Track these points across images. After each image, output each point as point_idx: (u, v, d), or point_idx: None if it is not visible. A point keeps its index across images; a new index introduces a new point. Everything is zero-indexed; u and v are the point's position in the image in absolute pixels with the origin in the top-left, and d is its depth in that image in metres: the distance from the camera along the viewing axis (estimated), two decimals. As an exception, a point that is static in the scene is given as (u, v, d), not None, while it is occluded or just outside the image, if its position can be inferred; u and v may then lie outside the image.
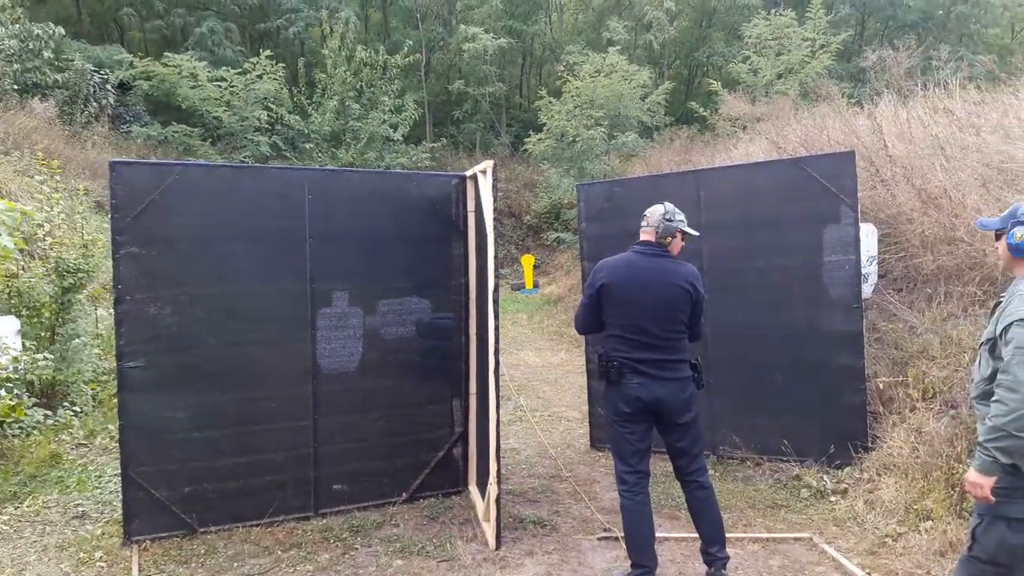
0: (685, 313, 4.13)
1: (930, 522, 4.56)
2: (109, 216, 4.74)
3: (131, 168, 4.91)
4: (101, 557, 4.57)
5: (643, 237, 4.32)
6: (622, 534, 4.29)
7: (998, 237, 3.18)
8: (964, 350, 5.36)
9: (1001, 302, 3.05)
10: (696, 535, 4.29)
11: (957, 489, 4.61)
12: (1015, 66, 13.60)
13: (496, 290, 4.74)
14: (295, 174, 5.42)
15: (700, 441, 4.25)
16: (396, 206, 5.51)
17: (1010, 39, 23.30)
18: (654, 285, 4.11)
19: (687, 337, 4.19)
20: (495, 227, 4.87)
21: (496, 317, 4.71)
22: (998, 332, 2.92)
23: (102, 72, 17.27)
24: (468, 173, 5.63)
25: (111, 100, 17.32)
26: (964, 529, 4.34)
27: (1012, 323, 2.84)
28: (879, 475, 5.26)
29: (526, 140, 18.77)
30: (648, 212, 4.37)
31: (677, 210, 4.36)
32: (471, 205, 5.69)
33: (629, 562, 4.14)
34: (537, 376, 10.20)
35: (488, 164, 4.96)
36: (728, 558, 4.19)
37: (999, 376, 2.81)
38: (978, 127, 7.08)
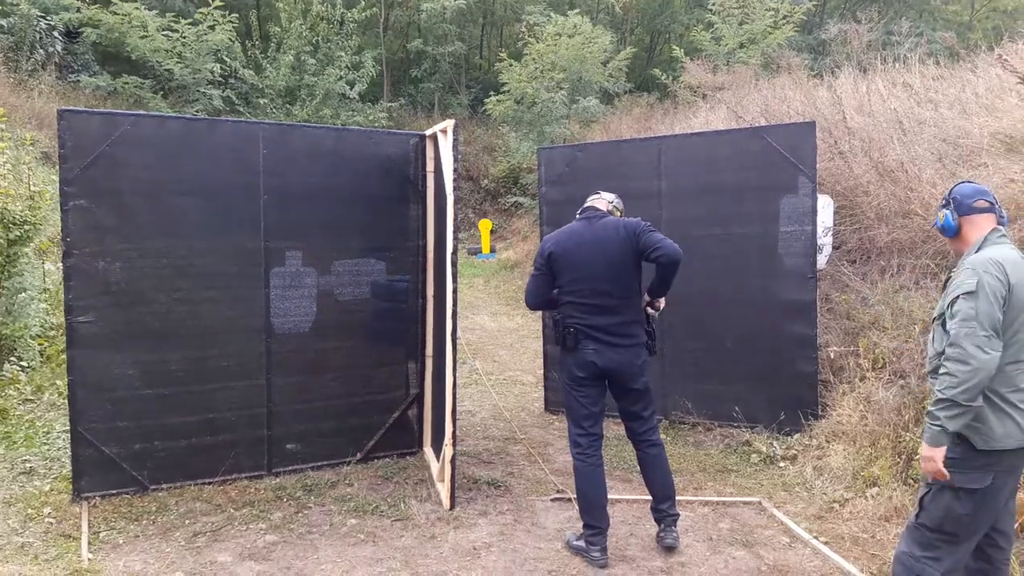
0: (633, 265, 4.10)
1: (876, 488, 4.67)
2: (57, 167, 4.53)
3: (80, 117, 4.71)
4: (50, 513, 4.47)
5: (591, 204, 4.37)
6: (575, 495, 4.32)
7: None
8: (915, 321, 5.46)
9: (951, 277, 3.09)
10: (648, 496, 4.34)
11: (903, 456, 4.73)
12: (974, 42, 13.79)
13: (455, 253, 4.67)
14: (249, 127, 5.24)
15: (652, 404, 4.30)
16: (353, 164, 5.38)
17: (969, 16, 23.60)
18: (599, 246, 4.10)
19: (636, 297, 4.19)
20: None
21: (455, 280, 4.65)
22: (945, 306, 2.96)
23: (49, 18, 16.49)
24: (428, 132, 5.51)
25: (59, 48, 16.57)
26: (909, 495, 4.47)
27: (958, 296, 2.88)
28: (828, 442, 5.37)
29: (486, 101, 18.52)
30: (600, 192, 4.50)
31: None
32: (430, 165, 5.58)
33: (582, 523, 4.17)
34: (493, 340, 10.18)
35: (449, 123, 4.85)
36: (678, 515, 4.28)
37: (947, 349, 2.85)
38: (936, 102, 7.17)
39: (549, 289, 4.27)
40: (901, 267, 6.05)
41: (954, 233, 3.12)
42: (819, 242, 6.10)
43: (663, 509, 4.22)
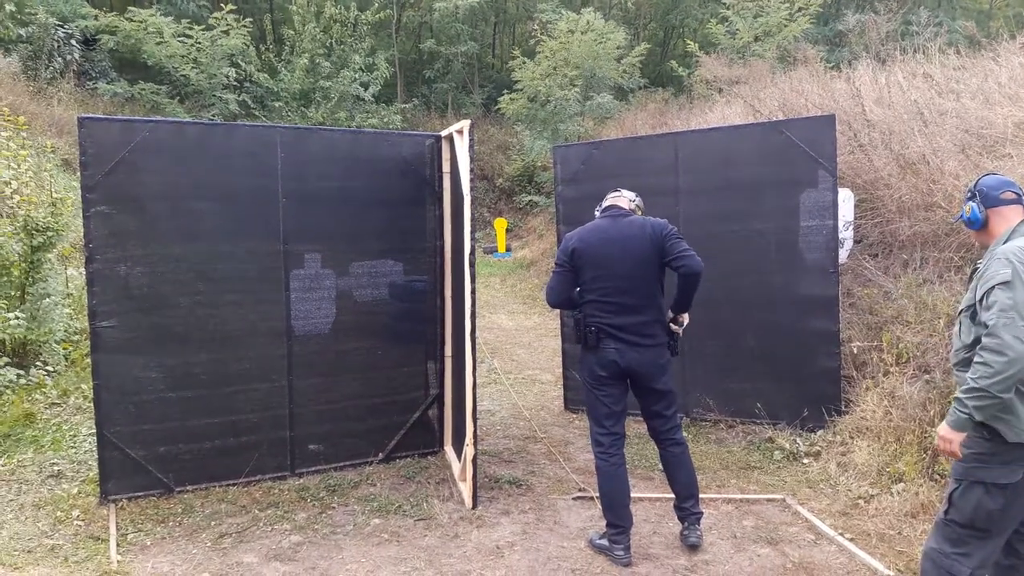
0: (656, 266, 4.06)
1: (902, 484, 4.62)
2: (79, 173, 4.62)
3: (100, 124, 4.75)
4: (78, 516, 4.52)
5: (611, 203, 4.32)
6: (597, 494, 4.31)
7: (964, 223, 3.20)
8: (939, 315, 5.40)
9: (978, 268, 3.04)
10: (670, 494, 4.32)
11: (929, 452, 4.67)
12: (995, 31, 13.62)
13: (472, 253, 4.66)
14: (267, 132, 5.27)
15: (675, 403, 4.27)
16: (370, 166, 5.40)
17: (988, 5, 23.31)
18: (624, 244, 4.07)
19: (659, 297, 4.15)
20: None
21: (473, 280, 4.64)
22: (978, 298, 2.92)
23: (66, 26, 16.67)
24: (444, 133, 5.50)
25: (76, 56, 16.74)
26: (936, 491, 4.42)
27: (993, 287, 2.83)
28: (852, 438, 5.32)
29: (499, 99, 18.50)
30: (620, 190, 4.44)
31: None
32: (446, 166, 5.57)
33: (605, 522, 4.15)
34: (510, 339, 10.18)
35: (464, 124, 4.84)
36: (701, 513, 4.25)
37: (984, 339, 2.81)
38: (958, 92, 7.08)
39: (571, 287, 4.24)
40: (924, 260, 5.98)
41: (981, 225, 3.08)
42: (840, 236, 6.04)
43: (686, 507, 4.20)
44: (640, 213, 4.34)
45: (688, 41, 16.93)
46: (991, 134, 6.30)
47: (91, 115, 4.82)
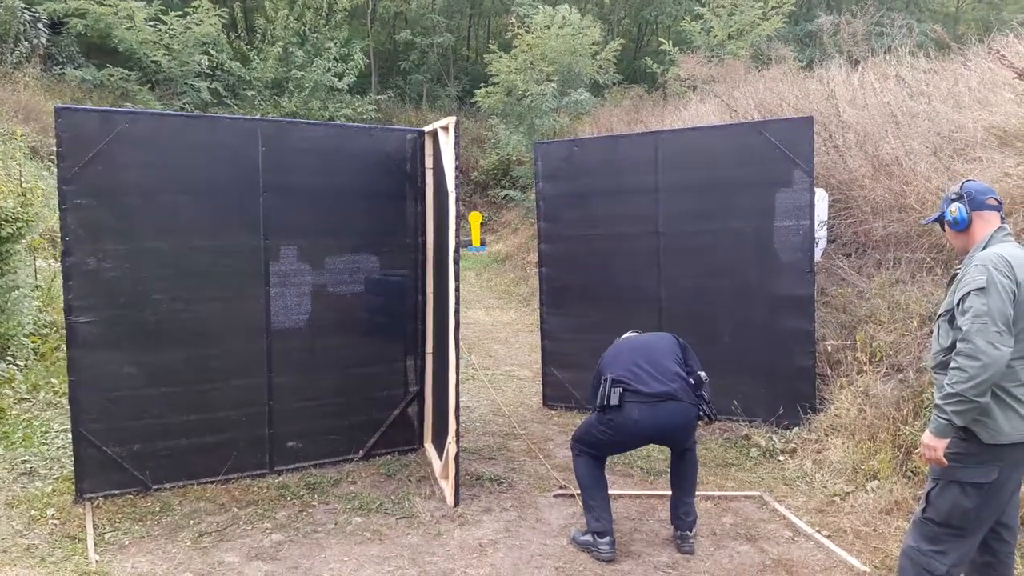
0: (677, 350, 4.35)
1: (876, 481, 4.72)
2: (54, 165, 4.52)
3: (78, 115, 4.64)
4: (53, 515, 4.45)
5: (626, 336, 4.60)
6: (578, 491, 4.35)
7: (942, 225, 3.26)
8: (911, 315, 5.51)
9: (957, 274, 3.11)
10: (651, 491, 4.39)
11: (903, 450, 4.78)
12: (961, 34, 13.88)
13: (457, 251, 4.66)
14: (248, 125, 5.21)
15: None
16: (352, 160, 5.38)
17: (955, 8, 23.72)
18: (648, 339, 4.50)
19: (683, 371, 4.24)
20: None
21: (457, 278, 4.64)
22: (955, 303, 2.99)
23: (33, 9, 16.28)
24: (427, 129, 5.49)
25: (43, 40, 16.35)
26: (909, 488, 4.52)
27: (969, 292, 2.91)
28: (827, 436, 5.42)
29: (475, 93, 18.45)
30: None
31: None
32: (429, 162, 5.56)
33: (586, 519, 4.19)
34: (487, 334, 10.18)
35: (450, 120, 4.83)
36: (696, 518, 4.25)
37: (959, 344, 2.88)
38: (929, 95, 7.21)
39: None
40: (897, 261, 6.10)
41: (964, 227, 3.14)
42: (814, 236, 6.13)
43: (685, 511, 4.21)
44: None
45: (663, 39, 16.97)
46: (961, 137, 6.43)
47: (69, 105, 4.74)
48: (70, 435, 4.76)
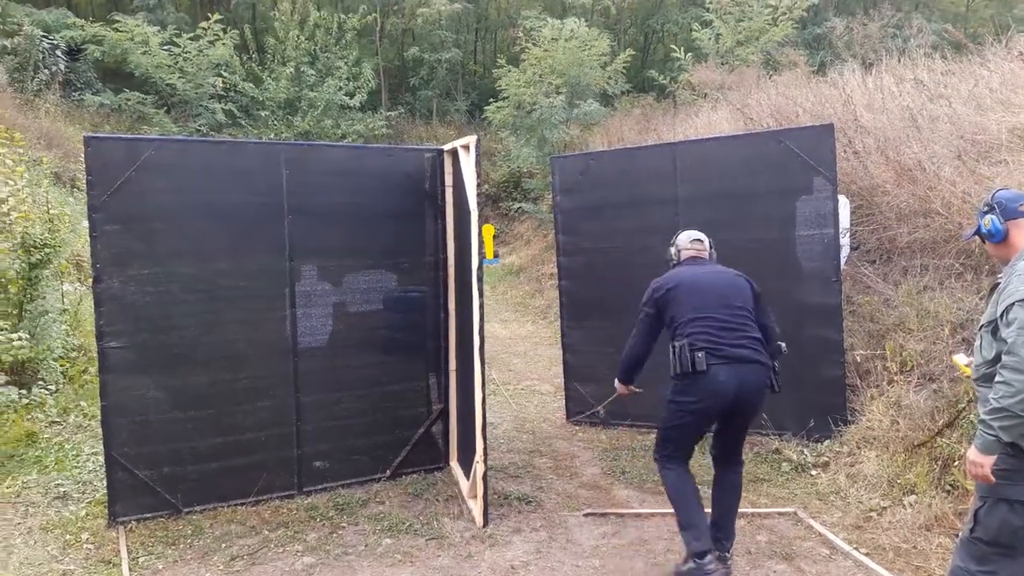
0: (750, 297, 4.05)
1: (914, 496, 4.61)
2: (86, 193, 4.59)
3: (106, 143, 4.76)
4: (88, 539, 4.47)
5: (692, 255, 4.30)
6: (607, 509, 4.26)
7: (981, 237, 3.19)
8: (941, 323, 5.41)
9: (999, 284, 3.04)
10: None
11: (940, 462, 4.67)
12: (972, 32, 13.78)
13: (480, 268, 4.62)
14: (271, 149, 5.27)
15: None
16: (373, 180, 5.40)
17: (965, 7, 23.57)
18: (716, 278, 4.10)
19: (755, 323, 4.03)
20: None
21: (480, 295, 4.60)
22: (999, 313, 2.91)
23: (52, 37, 16.46)
24: (447, 147, 5.47)
25: (62, 67, 16.54)
26: (949, 503, 4.42)
27: (1014, 303, 2.82)
28: (859, 448, 5.32)
29: (485, 108, 18.45)
30: (700, 236, 4.40)
31: None
32: (449, 179, 5.53)
33: (685, 543, 3.87)
34: (506, 348, 10.12)
35: (471, 139, 4.80)
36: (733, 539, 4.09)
37: (1004, 357, 2.80)
38: (948, 98, 7.12)
39: (654, 338, 4.20)
40: (924, 267, 6.00)
41: (1002, 238, 3.07)
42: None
43: (727, 523, 4.04)
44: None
45: (673, 47, 16.91)
46: (985, 140, 6.34)
47: (97, 134, 4.85)
48: (101, 458, 4.80)
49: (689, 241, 4.35)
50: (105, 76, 18.43)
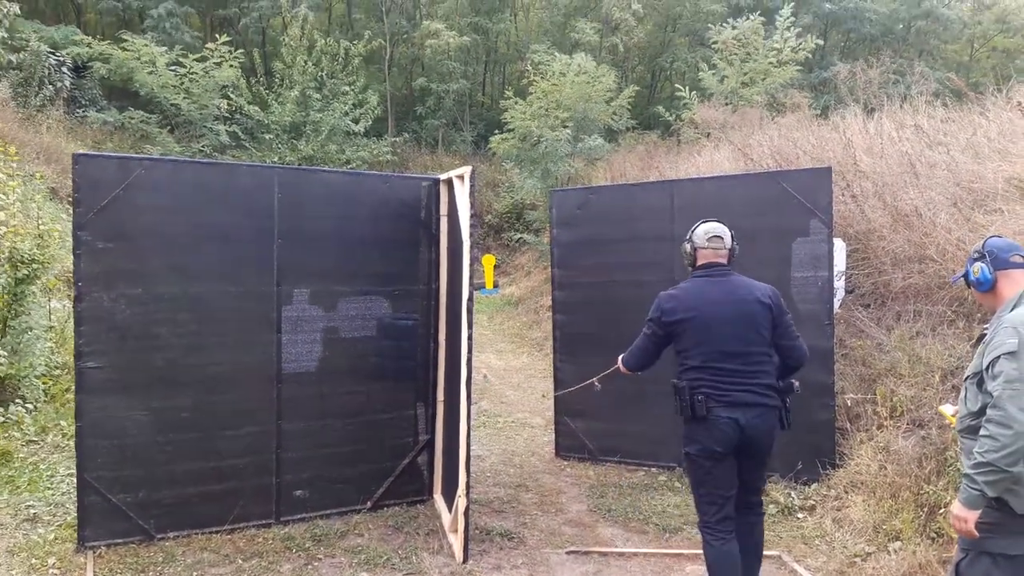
0: (767, 329, 3.77)
1: (899, 543, 4.55)
2: (72, 209, 4.58)
3: (95, 161, 4.70)
4: (54, 564, 4.38)
5: (709, 260, 3.93)
6: (590, 548, 4.19)
7: (969, 284, 3.17)
8: (932, 369, 5.39)
9: (985, 335, 3.02)
10: (667, 549, 4.19)
11: (925, 509, 4.62)
12: (974, 82, 13.90)
13: (471, 299, 4.61)
14: (265, 172, 5.26)
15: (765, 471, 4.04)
16: (368, 208, 5.41)
17: (968, 57, 23.86)
18: (732, 307, 3.76)
19: (772, 359, 3.82)
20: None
21: (470, 327, 4.58)
22: (984, 366, 2.89)
23: (58, 54, 16.65)
24: (443, 177, 5.49)
25: (67, 83, 16.72)
26: (933, 550, 4.36)
27: (999, 357, 2.80)
28: (847, 492, 5.27)
29: (490, 139, 18.60)
30: (719, 232, 3.97)
31: None
32: (444, 209, 5.55)
33: None
34: (499, 379, 10.08)
35: (466, 170, 4.82)
36: None
37: (989, 411, 2.77)
38: (947, 145, 7.16)
39: (658, 355, 4.03)
40: (917, 313, 5.99)
41: (989, 287, 3.05)
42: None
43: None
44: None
45: (679, 86, 17.07)
46: (981, 188, 6.36)
47: (86, 152, 4.82)
48: (75, 481, 4.69)
49: (707, 239, 3.94)
50: (111, 94, 18.62)
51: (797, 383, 3.90)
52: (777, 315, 3.80)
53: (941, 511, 4.48)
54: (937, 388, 5.28)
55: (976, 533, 2.82)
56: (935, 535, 4.50)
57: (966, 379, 3.07)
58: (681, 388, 3.77)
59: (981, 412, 2.86)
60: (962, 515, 2.83)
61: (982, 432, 2.78)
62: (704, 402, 3.67)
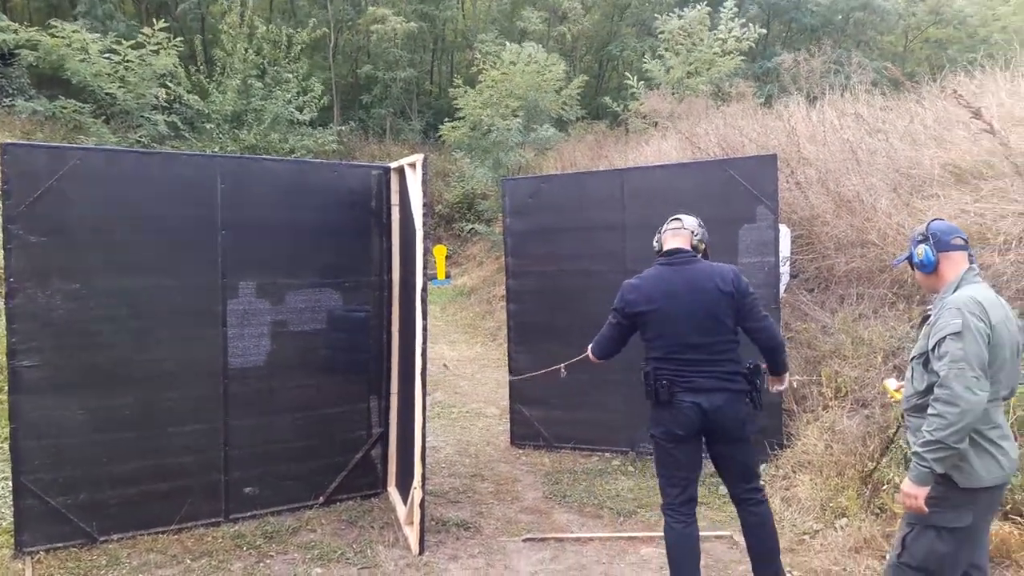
0: (730, 316, 3.77)
1: (845, 519, 4.68)
2: (1, 202, 4.34)
3: (26, 151, 4.50)
4: (-11, 572, 4.21)
5: (672, 244, 3.95)
6: (547, 534, 4.20)
7: (912, 266, 3.26)
8: (875, 350, 5.54)
9: (929, 315, 3.11)
10: (621, 533, 4.21)
11: (870, 486, 4.76)
12: (910, 72, 14.30)
13: (425, 289, 4.57)
14: (207, 161, 5.11)
15: (754, 456, 3.97)
16: (315, 197, 5.28)
17: (903, 47, 24.54)
18: (691, 297, 3.77)
19: (738, 344, 3.83)
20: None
21: (424, 317, 4.55)
22: (930, 346, 2.98)
23: (-17, 41, 15.94)
24: (394, 165, 5.43)
25: (-8, 72, 16.03)
26: (878, 525, 4.50)
27: (944, 337, 2.89)
28: (794, 472, 5.39)
29: (440, 127, 18.49)
30: (680, 215, 4.05)
31: None
32: (395, 198, 5.50)
33: None
34: (453, 370, 10.06)
35: (418, 158, 4.77)
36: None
37: (936, 390, 2.86)
38: (886, 132, 7.35)
39: (623, 343, 4.05)
40: (860, 296, 6.15)
41: (932, 268, 3.14)
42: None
43: (774, 568, 3.88)
44: (703, 249, 4.04)
45: (627, 75, 17.18)
46: (919, 174, 6.56)
47: (16, 142, 4.60)
48: (11, 484, 4.53)
49: (668, 222, 4.05)
50: (40, 82, 17.88)
51: (762, 364, 3.92)
52: (739, 299, 3.78)
53: (884, 487, 4.63)
54: (880, 368, 5.44)
55: (926, 509, 2.91)
56: (879, 511, 4.64)
57: (912, 359, 3.16)
58: (647, 373, 3.83)
59: (928, 391, 2.95)
60: (912, 492, 2.92)
61: (930, 411, 2.86)
62: (668, 387, 3.73)
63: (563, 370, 5.00)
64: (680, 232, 3.97)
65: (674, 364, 3.76)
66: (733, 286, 3.78)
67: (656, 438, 3.85)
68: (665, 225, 4.05)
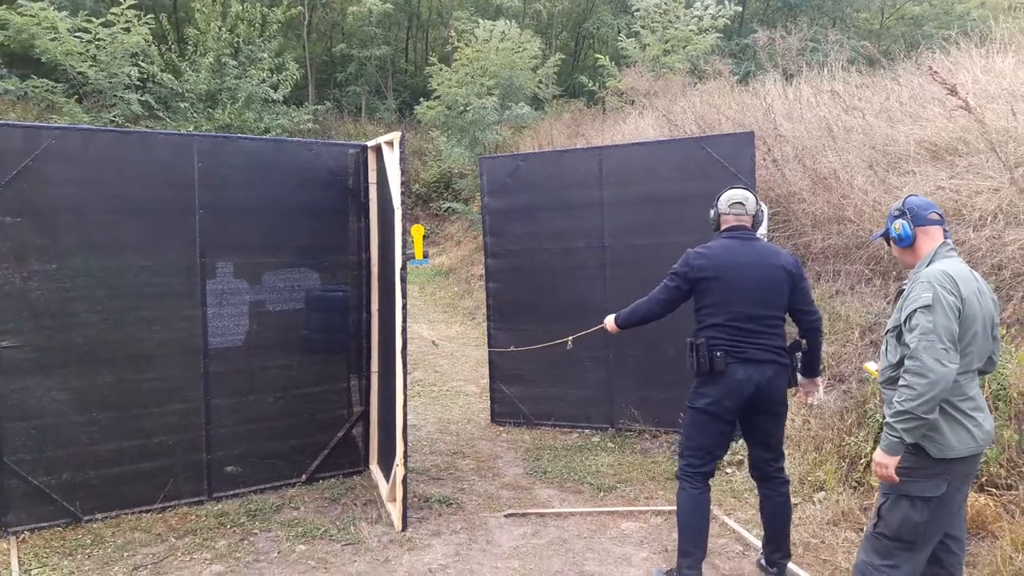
0: (785, 295, 3.87)
1: (823, 493, 4.77)
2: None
3: (1, 130, 4.42)
4: (-28, 554, 4.18)
5: (736, 223, 4.00)
6: (528, 510, 4.22)
7: (888, 241, 3.30)
8: (852, 326, 5.61)
9: (904, 290, 3.15)
10: (601, 508, 4.24)
11: (847, 460, 4.84)
12: (885, 49, 14.37)
13: (404, 268, 4.56)
14: (183, 140, 5.05)
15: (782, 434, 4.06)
16: (292, 176, 5.24)
17: (879, 25, 24.62)
18: (756, 271, 3.85)
19: (784, 322, 3.92)
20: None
21: (404, 296, 4.54)
22: (902, 319, 3.02)
23: (-50, 20, 15.51)
24: (371, 143, 5.38)
25: (-39, 51, 15.61)
26: (855, 499, 4.58)
27: (915, 310, 2.93)
28: (773, 447, 5.45)
29: (416, 106, 18.34)
30: (741, 198, 4.02)
31: None
32: (373, 176, 5.46)
33: (678, 552, 3.89)
34: (432, 349, 10.04)
35: (395, 136, 4.73)
36: (790, 556, 4.04)
37: (907, 362, 2.90)
38: (862, 110, 7.40)
39: (675, 307, 4.08)
40: (836, 273, 6.22)
41: (909, 243, 3.17)
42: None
43: (776, 557, 4.00)
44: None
45: (598, 55, 17.13)
46: (895, 151, 6.61)
47: (-9, 121, 4.50)
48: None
49: (728, 205, 4.02)
50: (11, 61, 17.49)
51: (804, 342, 4.01)
52: (797, 281, 3.92)
53: (862, 461, 4.70)
54: (856, 344, 5.52)
55: (896, 478, 2.96)
56: (856, 484, 4.73)
57: (886, 333, 3.20)
58: (699, 344, 3.84)
59: (900, 364, 3.00)
60: (883, 461, 2.97)
61: (900, 382, 2.91)
62: (723, 358, 3.77)
63: (570, 343, 5.04)
64: (743, 217, 4.02)
65: (730, 332, 3.81)
66: (795, 267, 3.95)
67: (699, 409, 3.87)
68: (723, 205, 4.05)
